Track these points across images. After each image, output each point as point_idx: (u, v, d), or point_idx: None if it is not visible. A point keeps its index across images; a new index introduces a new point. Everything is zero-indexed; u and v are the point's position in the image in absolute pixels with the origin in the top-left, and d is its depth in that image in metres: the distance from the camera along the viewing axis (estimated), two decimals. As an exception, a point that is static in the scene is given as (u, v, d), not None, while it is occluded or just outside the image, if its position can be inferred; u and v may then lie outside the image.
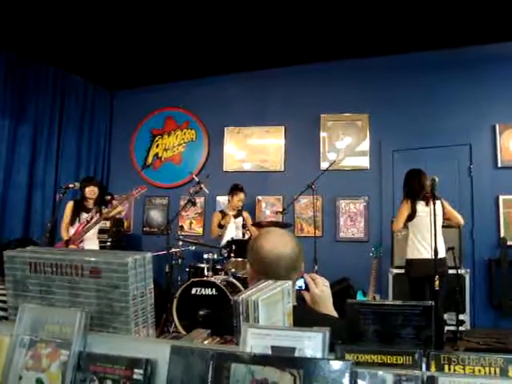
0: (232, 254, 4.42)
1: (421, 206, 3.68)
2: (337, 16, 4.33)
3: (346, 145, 5.46)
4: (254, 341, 0.81)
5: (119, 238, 5.72)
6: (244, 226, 4.97)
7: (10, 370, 0.91)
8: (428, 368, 0.74)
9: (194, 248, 5.01)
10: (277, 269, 1.30)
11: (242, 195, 5.01)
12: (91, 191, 4.37)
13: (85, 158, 6.08)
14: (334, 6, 4.12)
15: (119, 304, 0.95)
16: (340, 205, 5.37)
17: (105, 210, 4.42)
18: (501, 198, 4.73)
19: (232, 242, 4.53)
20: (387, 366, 0.76)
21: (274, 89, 5.71)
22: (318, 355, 0.77)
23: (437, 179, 3.27)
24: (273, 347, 0.80)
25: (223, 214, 5.07)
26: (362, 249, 4.90)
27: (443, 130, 4.90)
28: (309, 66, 5.48)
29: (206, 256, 4.50)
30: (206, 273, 4.37)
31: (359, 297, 4.46)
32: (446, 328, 4.00)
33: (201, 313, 3.95)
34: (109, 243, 5.43)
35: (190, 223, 5.95)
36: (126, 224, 6.12)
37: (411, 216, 3.70)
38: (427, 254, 3.54)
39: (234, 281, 4.21)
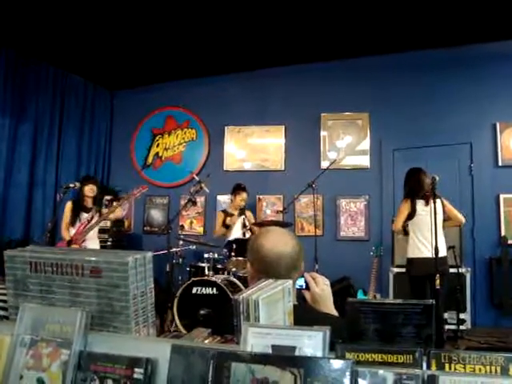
0: (233, 253, 4.43)
1: (421, 205, 3.67)
2: (337, 15, 4.33)
3: (347, 144, 5.45)
4: (254, 340, 0.81)
5: (120, 238, 5.73)
6: (244, 226, 4.97)
7: (10, 369, 0.91)
8: (429, 367, 0.74)
9: (194, 247, 5.02)
10: (277, 268, 1.30)
11: (244, 195, 5.01)
12: (90, 189, 4.39)
13: (85, 158, 6.08)
14: (334, 5, 4.12)
15: (119, 303, 0.95)
16: (340, 204, 5.36)
17: (105, 210, 4.44)
18: (501, 196, 4.72)
19: (233, 241, 4.54)
20: (388, 364, 0.76)
21: (275, 88, 5.71)
22: (319, 354, 0.77)
23: (437, 178, 3.28)
24: (273, 346, 0.80)
25: (226, 213, 5.08)
26: (363, 248, 4.90)
27: (444, 128, 4.90)
28: (309, 65, 5.47)
29: (206, 255, 4.51)
30: (206, 272, 4.38)
31: (360, 296, 4.47)
32: (447, 327, 4.00)
33: (201, 312, 3.95)
34: (109, 243, 5.44)
35: (191, 222, 5.95)
36: (126, 223, 6.13)
37: (411, 215, 3.70)
38: (428, 253, 3.53)
39: (235, 280, 4.21)
